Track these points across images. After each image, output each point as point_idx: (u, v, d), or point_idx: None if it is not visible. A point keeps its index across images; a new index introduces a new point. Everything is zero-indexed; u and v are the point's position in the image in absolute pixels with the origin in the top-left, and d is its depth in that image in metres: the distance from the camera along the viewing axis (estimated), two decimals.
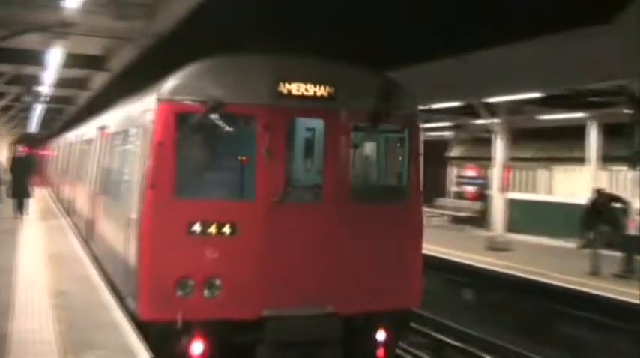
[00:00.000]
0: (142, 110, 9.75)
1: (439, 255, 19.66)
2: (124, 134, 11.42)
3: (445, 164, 32.31)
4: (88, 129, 17.68)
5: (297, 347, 8.90)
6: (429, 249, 20.74)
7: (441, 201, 29.93)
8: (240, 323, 8.73)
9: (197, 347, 8.62)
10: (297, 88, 9.07)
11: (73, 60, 16.77)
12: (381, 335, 9.60)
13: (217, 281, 8.69)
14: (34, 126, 45.01)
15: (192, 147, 8.92)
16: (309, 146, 10.15)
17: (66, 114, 34.82)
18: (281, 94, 8.98)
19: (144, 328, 8.78)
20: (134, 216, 9.07)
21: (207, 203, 8.79)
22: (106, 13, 11.35)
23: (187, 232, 8.60)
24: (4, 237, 18.32)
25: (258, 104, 8.87)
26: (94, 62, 17.73)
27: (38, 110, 31.40)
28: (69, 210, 22.09)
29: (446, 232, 25.95)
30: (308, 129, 10.09)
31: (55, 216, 24.21)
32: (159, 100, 8.83)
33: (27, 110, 30.79)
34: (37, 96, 20.94)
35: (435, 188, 31.52)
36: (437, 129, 30.53)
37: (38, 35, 13.30)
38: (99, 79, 21.13)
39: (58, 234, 19.25)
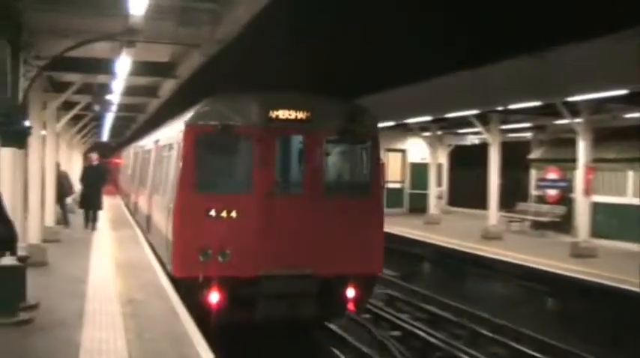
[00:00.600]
0: (177, 130, 13.96)
1: (521, 263, 19.39)
2: (168, 147, 15.73)
3: (526, 167, 31.79)
4: (148, 142, 22.40)
5: (284, 299, 12.80)
6: (509, 256, 20.60)
7: (521, 206, 29.47)
8: (243, 280, 12.60)
9: (214, 296, 12.52)
10: (282, 114, 13.08)
11: (141, 67, 17.18)
12: (350, 293, 13.36)
13: (227, 251, 12.62)
14: (105, 135, 46.20)
15: (208, 156, 12.89)
16: (293, 154, 13.59)
17: (137, 121, 35.65)
18: (271, 119, 12.99)
19: (176, 284, 12.91)
20: (171, 205, 13.24)
21: (219, 196, 12.75)
22: (170, 19, 11.60)
23: (205, 216, 12.57)
24: (76, 247, 18.89)
25: (254, 126, 12.88)
26: (162, 69, 18.12)
27: (109, 119, 32.27)
28: (134, 211, 25.87)
29: (527, 238, 25.57)
30: (293, 143, 13.58)
31: (126, 225, 24.78)
32: (185, 124, 12.99)
33: (98, 119, 31.64)
34: (106, 104, 21.51)
35: (515, 192, 31.04)
36: (516, 131, 30.11)
37: (106, 43, 13.68)
38: (168, 86, 21.57)
39: (129, 243, 19.75)
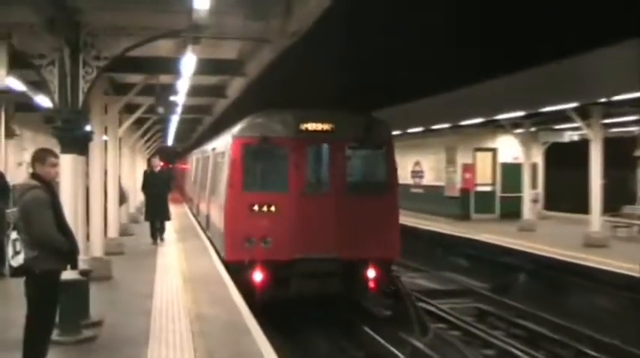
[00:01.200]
0: (227, 141, 18.56)
1: (629, 274, 18.85)
2: (221, 154, 19.86)
3: (632, 165, 30.94)
4: (206, 149, 27.33)
5: (314, 278, 16.60)
6: (615, 266, 20.01)
7: (628, 209, 28.68)
8: (282, 262, 16.43)
9: (257, 275, 16.37)
10: (311, 126, 17.21)
11: (207, 66, 17.33)
12: (371, 273, 16.99)
13: (268, 239, 16.63)
14: (170, 138, 46.76)
15: (251, 162, 17.10)
16: (321, 160, 17.52)
17: (204, 123, 36.00)
18: (301, 131, 17.13)
19: (228, 267, 16.88)
20: (222, 203, 17.54)
21: (261, 194, 16.88)
22: (238, 13, 11.65)
23: (250, 211, 16.73)
24: (141, 259, 19.20)
25: (288, 137, 17.03)
26: (229, 67, 18.24)
27: (173, 121, 32.70)
28: (196, 213, 30.26)
29: (636, 246, 24.80)
30: (321, 150, 17.56)
31: (194, 235, 25.07)
32: (233, 136, 17.46)
33: (162, 122, 32.06)
34: (171, 106, 21.76)
35: (621, 194, 30.26)
36: (620, 125, 29.31)
37: (170, 41, 13.84)
38: (236, 85, 21.69)
39: (197, 255, 19.97)
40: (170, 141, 49.42)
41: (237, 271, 16.37)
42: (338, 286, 16.87)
